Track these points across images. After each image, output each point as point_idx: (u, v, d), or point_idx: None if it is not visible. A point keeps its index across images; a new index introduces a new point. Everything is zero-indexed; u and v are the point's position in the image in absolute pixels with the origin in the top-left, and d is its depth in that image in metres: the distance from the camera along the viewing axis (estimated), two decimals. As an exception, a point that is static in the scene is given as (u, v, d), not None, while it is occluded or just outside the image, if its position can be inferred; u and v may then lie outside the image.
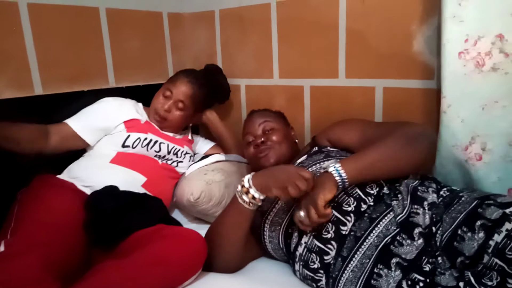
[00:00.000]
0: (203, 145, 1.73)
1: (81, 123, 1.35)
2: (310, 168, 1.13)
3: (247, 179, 1.02)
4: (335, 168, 0.97)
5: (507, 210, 0.81)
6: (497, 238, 0.78)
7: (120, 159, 1.34)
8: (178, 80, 1.52)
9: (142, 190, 1.28)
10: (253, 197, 1.00)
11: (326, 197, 0.93)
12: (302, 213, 0.96)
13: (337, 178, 0.96)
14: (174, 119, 1.49)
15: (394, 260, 0.88)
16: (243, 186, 1.02)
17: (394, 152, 1.00)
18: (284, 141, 1.29)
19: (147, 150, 1.40)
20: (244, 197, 1.01)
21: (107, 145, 1.36)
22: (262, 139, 1.27)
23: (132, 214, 1.11)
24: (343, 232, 0.97)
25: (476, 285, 0.79)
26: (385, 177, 1.02)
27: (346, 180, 0.96)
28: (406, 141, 1.01)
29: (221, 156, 1.58)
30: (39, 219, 1.02)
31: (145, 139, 1.40)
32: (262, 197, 1.01)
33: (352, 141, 1.17)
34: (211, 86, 1.64)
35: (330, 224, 0.99)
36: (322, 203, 0.92)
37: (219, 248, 1.05)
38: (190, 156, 1.56)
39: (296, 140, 1.39)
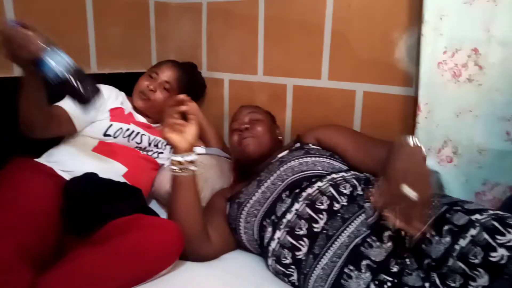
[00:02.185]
0: (183, 136, 1.73)
1: (74, 108, 1.29)
2: (289, 163, 1.16)
3: (170, 159, 1.13)
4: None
5: (473, 217, 0.84)
6: (462, 243, 0.82)
7: (102, 148, 1.33)
8: (163, 65, 1.57)
9: (122, 180, 1.28)
10: (180, 163, 1.09)
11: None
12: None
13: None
14: (159, 100, 1.50)
15: (364, 262, 0.91)
16: (173, 163, 1.10)
17: None
18: (267, 133, 1.33)
19: (128, 141, 1.39)
20: (192, 167, 1.10)
21: (89, 133, 1.34)
22: (246, 126, 1.31)
23: (110, 202, 1.11)
24: (315, 230, 1.00)
25: (440, 286, 0.83)
26: None
27: None
28: None
29: (201, 149, 1.58)
30: (14, 203, 1.00)
31: (127, 129, 1.39)
32: (188, 158, 1.10)
33: (342, 143, 1.22)
34: (191, 78, 1.68)
35: (303, 221, 1.02)
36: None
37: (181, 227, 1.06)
38: (171, 148, 1.56)
39: (280, 137, 1.43)
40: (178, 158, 1.09)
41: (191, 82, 1.69)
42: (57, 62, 0.98)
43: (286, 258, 1.02)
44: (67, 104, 1.29)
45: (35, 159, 1.25)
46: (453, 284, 0.82)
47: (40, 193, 1.08)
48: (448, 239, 0.85)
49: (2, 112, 1.32)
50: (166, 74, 1.53)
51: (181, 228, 1.03)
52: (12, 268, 0.83)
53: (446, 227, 0.87)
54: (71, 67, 0.99)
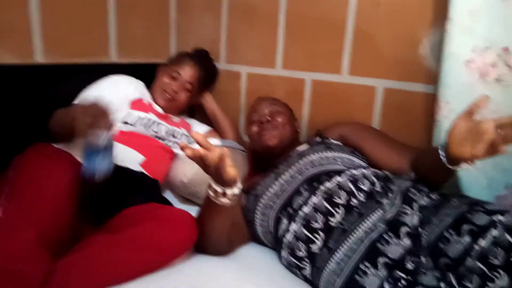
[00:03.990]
0: (199, 128, 1.73)
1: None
2: (309, 157, 1.15)
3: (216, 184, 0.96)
4: None
5: (494, 218, 0.83)
6: (482, 243, 0.81)
7: (121, 137, 1.33)
8: (183, 63, 1.57)
9: (140, 169, 1.28)
10: (233, 194, 0.97)
11: None
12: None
13: None
14: (182, 100, 1.55)
15: (381, 260, 0.90)
16: (216, 191, 0.96)
17: None
18: (288, 125, 1.32)
19: (147, 130, 1.40)
20: (222, 199, 0.97)
21: None
22: (268, 117, 1.30)
23: (127, 192, 1.12)
24: (331, 224, 0.99)
25: (456, 286, 0.82)
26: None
27: None
28: None
29: (216, 141, 1.58)
30: (33, 189, 1.00)
31: (145, 118, 1.41)
32: (236, 191, 0.97)
33: (367, 141, 1.21)
34: (208, 72, 1.71)
35: (319, 214, 1.01)
36: None
37: (210, 244, 1.06)
38: (187, 138, 1.57)
39: (299, 130, 1.42)
40: (236, 190, 0.97)
41: (209, 76, 1.71)
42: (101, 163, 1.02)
43: (300, 250, 1.01)
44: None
45: (54, 145, 1.26)
46: (469, 285, 0.80)
47: (58, 179, 1.07)
48: (467, 238, 0.84)
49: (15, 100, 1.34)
50: (188, 74, 1.56)
51: (208, 242, 1.05)
52: (30, 257, 0.84)
53: (465, 227, 0.86)
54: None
